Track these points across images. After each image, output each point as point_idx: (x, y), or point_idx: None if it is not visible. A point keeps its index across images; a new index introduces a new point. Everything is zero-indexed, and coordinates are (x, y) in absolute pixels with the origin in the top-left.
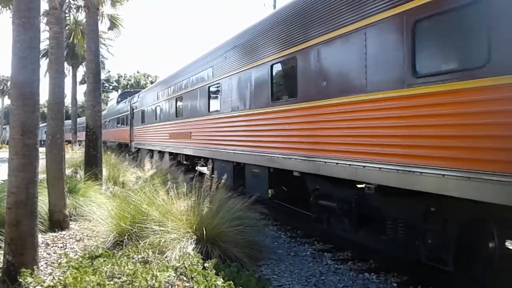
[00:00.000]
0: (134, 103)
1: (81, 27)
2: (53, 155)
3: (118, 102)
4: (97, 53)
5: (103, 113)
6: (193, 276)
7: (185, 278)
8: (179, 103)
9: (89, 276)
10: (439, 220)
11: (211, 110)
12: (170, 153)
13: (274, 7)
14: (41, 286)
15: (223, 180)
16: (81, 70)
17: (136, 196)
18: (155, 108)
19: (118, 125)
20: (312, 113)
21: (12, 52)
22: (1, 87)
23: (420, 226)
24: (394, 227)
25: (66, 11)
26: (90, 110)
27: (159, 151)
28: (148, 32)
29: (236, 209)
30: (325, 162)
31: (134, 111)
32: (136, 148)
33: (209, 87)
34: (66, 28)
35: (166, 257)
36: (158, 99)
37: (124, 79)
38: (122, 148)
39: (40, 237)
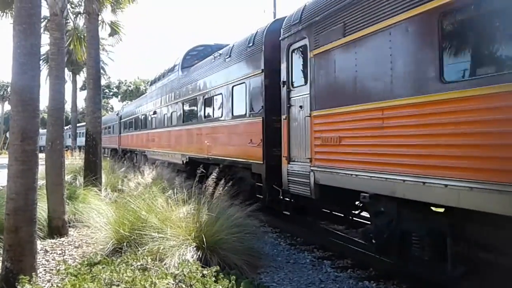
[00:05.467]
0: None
1: (80, 33)
2: (53, 161)
3: (183, 70)
4: (97, 59)
5: (137, 103)
6: (192, 283)
7: (184, 286)
8: None
9: (87, 283)
10: None
11: None
12: None
13: (274, 14)
14: None
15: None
16: (82, 76)
17: (135, 202)
18: None
19: (194, 119)
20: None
21: (12, 58)
22: (1, 92)
23: None
24: None
25: (67, 17)
26: (90, 116)
27: None
28: (148, 38)
29: (235, 216)
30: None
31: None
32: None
33: None
34: (67, 34)
35: (165, 264)
36: None
37: (124, 85)
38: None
39: (39, 244)
